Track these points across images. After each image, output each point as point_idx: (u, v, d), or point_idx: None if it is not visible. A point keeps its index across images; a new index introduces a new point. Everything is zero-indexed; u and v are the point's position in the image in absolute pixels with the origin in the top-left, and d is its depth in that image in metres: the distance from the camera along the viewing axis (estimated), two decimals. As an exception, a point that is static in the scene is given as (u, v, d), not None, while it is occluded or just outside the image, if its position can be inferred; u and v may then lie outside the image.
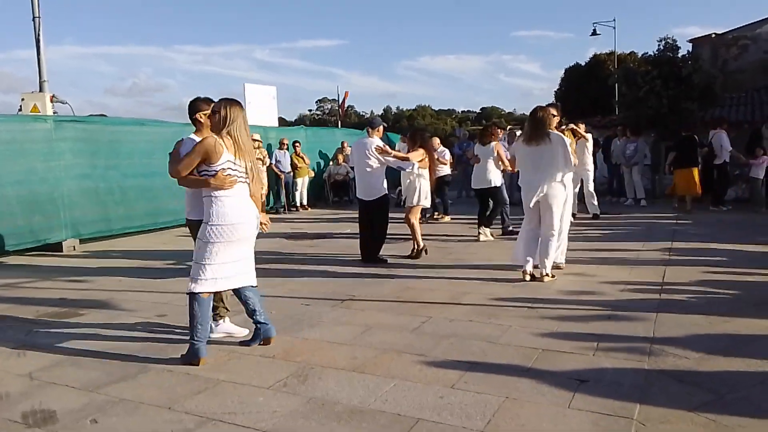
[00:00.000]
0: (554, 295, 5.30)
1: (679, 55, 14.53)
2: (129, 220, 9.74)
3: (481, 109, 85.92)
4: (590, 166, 10.42)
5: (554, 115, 6.14)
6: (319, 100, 75.83)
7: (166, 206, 10.14)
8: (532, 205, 5.89)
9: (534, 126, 5.86)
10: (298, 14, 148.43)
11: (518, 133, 13.81)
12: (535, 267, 5.97)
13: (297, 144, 13.67)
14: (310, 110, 78.45)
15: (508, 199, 9.23)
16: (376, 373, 3.58)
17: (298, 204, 13.73)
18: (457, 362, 3.72)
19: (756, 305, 4.85)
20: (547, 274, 5.83)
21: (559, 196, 5.84)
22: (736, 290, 5.33)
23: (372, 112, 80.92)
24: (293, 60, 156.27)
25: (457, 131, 20.53)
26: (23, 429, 3.00)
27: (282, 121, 21.89)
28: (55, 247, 8.50)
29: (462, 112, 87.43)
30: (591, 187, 10.47)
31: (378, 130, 7.15)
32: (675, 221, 10.05)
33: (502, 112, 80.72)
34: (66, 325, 4.82)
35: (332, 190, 15.03)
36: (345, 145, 15.03)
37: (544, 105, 6.12)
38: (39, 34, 9.56)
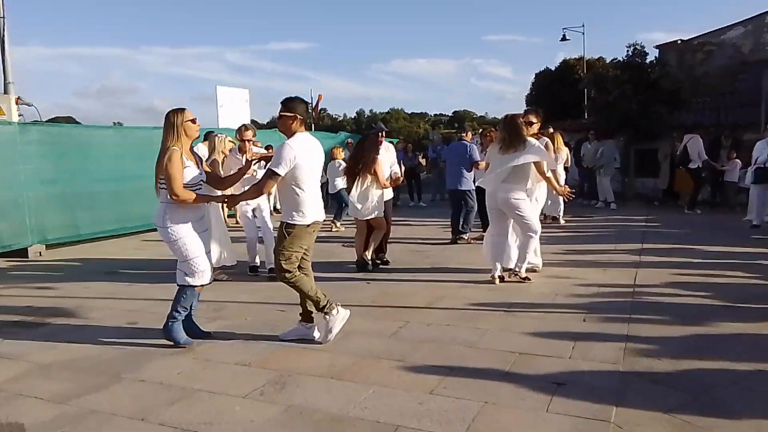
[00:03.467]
0: (530, 298, 5.34)
1: (647, 60, 14.82)
2: (97, 225, 9.56)
3: (453, 113, 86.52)
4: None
5: (533, 122, 6.21)
6: (291, 102, 75.02)
7: (135, 211, 9.97)
8: (494, 209, 5.96)
9: (510, 133, 5.76)
10: (268, 16, 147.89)
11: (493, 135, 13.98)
12: (510, 270, 6.03)
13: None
14: (283, 113, 77.58)
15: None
16: (354, 380, 3.55)
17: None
18: (436, 367, 3.71)
19: (726, 306, 4.96)
20: (526, 277, 5.91)
21: (524, 202, 5.82)
22: (706, 291, 5.43)
23: (345, 114, 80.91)
24: (265, 62, 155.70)
25: (431, 134, 20.59)
26: (-10, 444, 2.90)
27: (254, 124, 21.63)
28: (21, 253, 8.27)
29: (435, 115, 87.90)
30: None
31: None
32: (645, 223, 10.24)
33: (474, 116, 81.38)
34: (33, 334, 4.68)
35: None
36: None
37: (517, 112, 6.17)
38: (3, 34, 9.30)
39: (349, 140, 13.40)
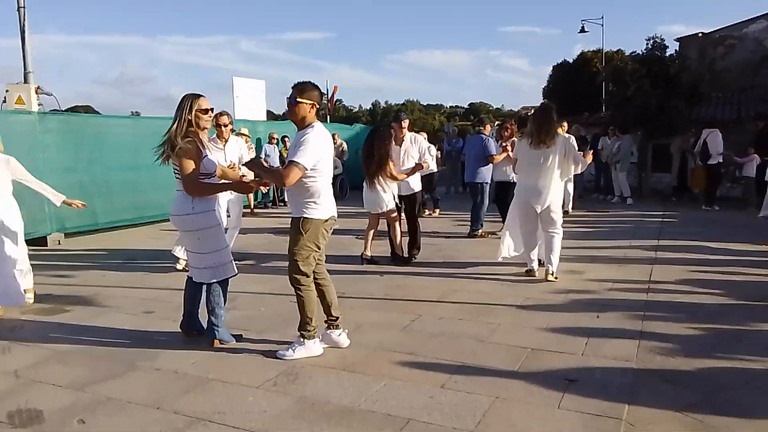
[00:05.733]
0: (543, 294, 5.33)
1: (667, 54, 14.61)
2: (115, 214, 9.66)
3: (469, 105, 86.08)
4: None
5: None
6: (307, 93, 75.12)
7: (152, 200, 10.07)
8: (525, 205, 5.86)
9: (543, 127, 5.64)
10: (285, 6, 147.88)
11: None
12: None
13: (286, 138, 13.60)
14: (298, 103, 77.76)
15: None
16: (366, 373, 3.57)
17: (286, 199, 13.67)
18: (447, 361, 3.72)
19: (742, 304, 4.91)
20: (552, 273, 5.79)
21: (559, 199, 5.92)
22: (721, 289, 5.39)
23: (360, 106, 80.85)
24: (280, 52, 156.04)
25: (446, 127, 20.46)
26: (9, 429, 2.96)
27: (270, 115, 21.69)
28: (40, 241, 8.40)
29: (450, 107, 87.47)
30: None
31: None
32: (661, 219, 10.14)
33: (491, 108, 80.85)
34: (52, 322, 4.76)
35: None
36: (336, 137, 14.98)
37: (548, 103, 6.13)
38: (24, 25, 9.37)
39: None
